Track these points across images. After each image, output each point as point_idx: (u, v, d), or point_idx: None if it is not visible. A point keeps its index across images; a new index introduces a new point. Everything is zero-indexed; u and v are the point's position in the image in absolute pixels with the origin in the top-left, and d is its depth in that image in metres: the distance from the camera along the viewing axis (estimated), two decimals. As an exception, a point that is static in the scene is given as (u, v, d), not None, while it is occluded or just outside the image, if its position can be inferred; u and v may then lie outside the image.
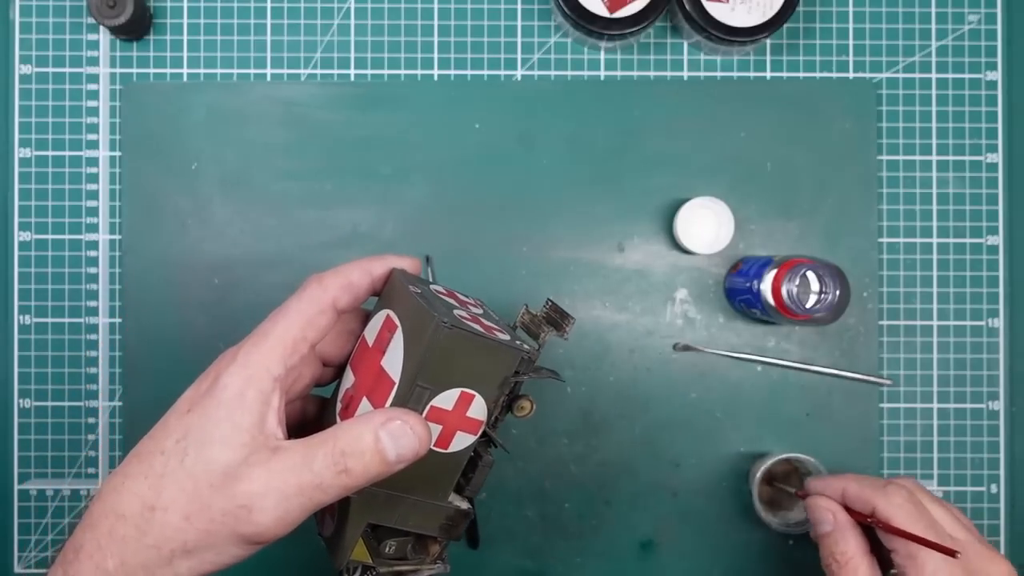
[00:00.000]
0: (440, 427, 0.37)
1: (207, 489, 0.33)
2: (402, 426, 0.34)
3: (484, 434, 0.39)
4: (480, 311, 0.40)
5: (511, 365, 0.37)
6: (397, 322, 0.37)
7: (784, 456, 0.54)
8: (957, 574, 0.41)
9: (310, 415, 0.42)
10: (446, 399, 0.36)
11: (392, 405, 0.35)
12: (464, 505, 0.40)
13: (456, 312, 0.36)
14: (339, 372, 0.41)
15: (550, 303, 0.41)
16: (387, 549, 0.39)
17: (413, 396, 0.35)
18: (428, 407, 0.36)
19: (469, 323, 0.36)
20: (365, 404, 0.37)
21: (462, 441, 0.38)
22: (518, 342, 0.37)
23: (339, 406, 0.39)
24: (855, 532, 0.46)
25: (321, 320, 0.37)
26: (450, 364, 0.35)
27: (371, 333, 0.39)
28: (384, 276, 0.39)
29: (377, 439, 0.33)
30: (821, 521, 0.47)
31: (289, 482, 0.33)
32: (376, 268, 0.39)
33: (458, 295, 0.41)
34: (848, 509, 0.47)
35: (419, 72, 0.58)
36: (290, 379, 0.36)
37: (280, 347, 0.35)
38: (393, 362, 0.36)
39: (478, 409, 0.37)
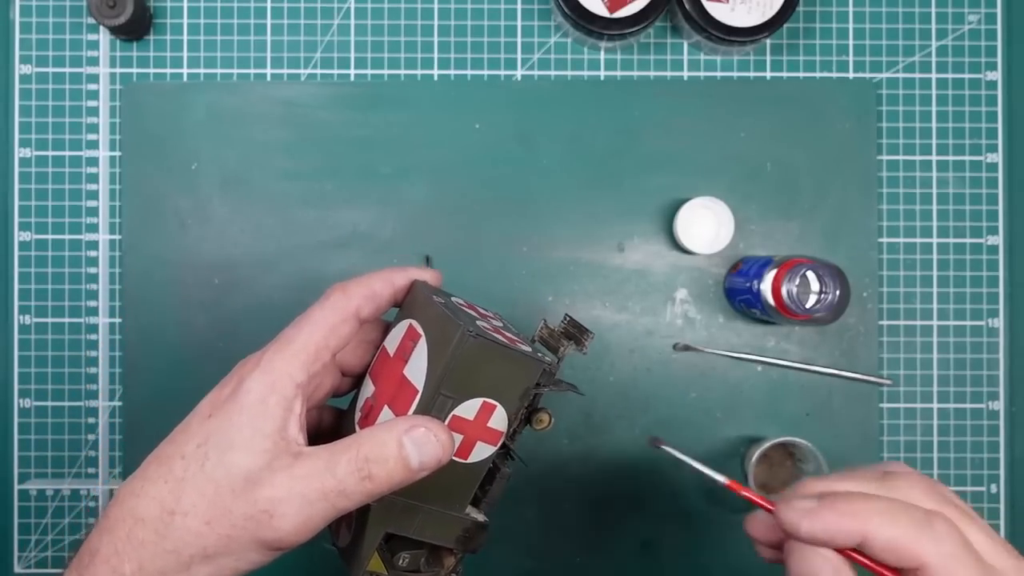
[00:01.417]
0: (461, 437, 0.36)
1: (228, 494, 0.33)
2: (426, 433, 0.34)
3: (503, 446, 0.39)
4: (500, 323, 0.40)
5: (533, 376, 0.37)
6: (420, 331, 0.37)
7: (780, 440, 0.54)
8: None
9: (326, 425, 0.42)
10: (468, 409, 0.36)
11: (415, 413, 0.35)
12: (481, 518, 0.40)
13: (479, 323, 0.37)
14: (356, 383, 0.41)
15: (568, 318, 0.41)
16: (401, 562, 0.39)
17: (436, 404, 0.35)
18: (450, 416, 0.36)
19: (493, 334, 0.36)
20: (387, 412, 0.37)
21: (482, 452, 0.38)
22: (539, 354, 0.38)
23: (358, 415, 0.39)
24: None
25: (344, 328, 0.37)
26: (474, 373, 0.35)
27: (392, 343, 0.39)
28: (405, 287, 0.39)
29: (401, 446, 0.33)
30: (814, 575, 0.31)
31: (312, 487, 0.33)
32: (398, 279, 0.39)
33: (478, 308, 0.41)
34: (861, 555, 0.31)
35: (419, 72, 0.58)
36: (312, 386, 0.36)
37: (303, 354, 0.35)
38: (416, 371, 0.36)
39: (499, 420, 0.37)
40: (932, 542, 0.30)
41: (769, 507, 0.34)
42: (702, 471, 0.37)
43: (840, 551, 0.31)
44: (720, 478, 0.36)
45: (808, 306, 0.50)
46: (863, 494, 0.32)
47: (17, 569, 0.57)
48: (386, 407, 0.37)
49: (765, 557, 0.35)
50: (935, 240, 0.59)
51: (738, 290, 0.55)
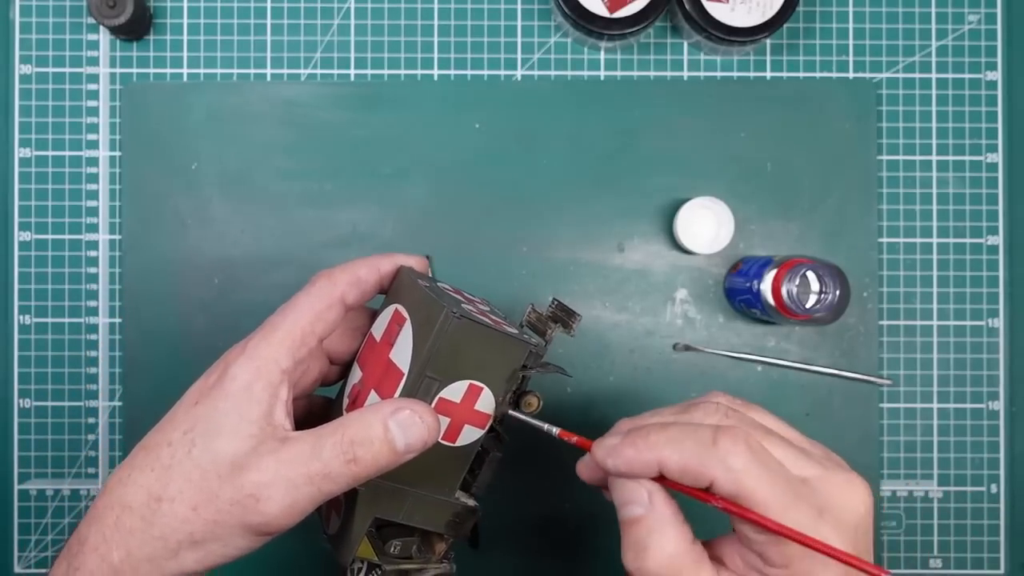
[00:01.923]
0: (448, 420, 0.37)
1: (215, 479, 0.33)
2: (411, 415, 0.34)
3: (491, 429, 0.39)
4: (487, 308, 0.40)
5: (519, 358, 0.37)
6: (406, 315, 0.37)
7: None
8: (805, 514, 0.31)
9: (315, 415, 0.42)
10: (454, 391, 0.36)
11: (401, 396, 0.35)
12: (471, 502, 0.40)
13: (464, 306, 0.37)
14: (344, 372, 0.41)
15: (556, 302, 0.41)
16: (392, 549, 0.39)
17: (422, 387, 0.35)
18: (436, 399, 0.36)
19: (478, 316, 0.36)
20: (373, 396, 0.37)
21: (470, 435, 0.38)
22: (526, 335, 0.38)
23: (346, 401, 0.39)
24: (678, 524, 0.33)
25: (330, 314, 0.37)
26: (459, 355, 0.35)
27: (378, 329, 0.39)
28: (391, 273, 0.39)
29: (386, 428, 0.33)
30: (629, 501, 0.33)
31: (298, 471, 0.33)
32: (384, 265, 0.39)
33: (464, 293, 0.41)
34: (667, 480, 0.33)
35: (419, 72, 0.58)
36: (298, 372, 0.36)
37: (289, 340, 0.35)
38: (402, 354, 0.36)
39: (486, 403, 0.37)
40: (717, 460, 0.31)
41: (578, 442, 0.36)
42: (536, 425, 0.38)
43: (653, 477, 0.33)
44: (553, 430, 0.38)
45: (808, 306, 0.50)
46: (658, 424, 0.33)
47: (17, 569, 0.57)
48: (373, 392, 0.37)
49: (607, 499, 0.36)
50: (935, 240, 0.59)
51: (738, 290, 0.55)
